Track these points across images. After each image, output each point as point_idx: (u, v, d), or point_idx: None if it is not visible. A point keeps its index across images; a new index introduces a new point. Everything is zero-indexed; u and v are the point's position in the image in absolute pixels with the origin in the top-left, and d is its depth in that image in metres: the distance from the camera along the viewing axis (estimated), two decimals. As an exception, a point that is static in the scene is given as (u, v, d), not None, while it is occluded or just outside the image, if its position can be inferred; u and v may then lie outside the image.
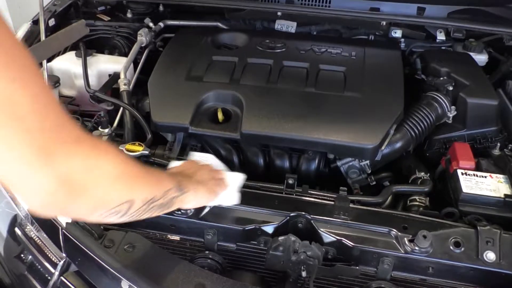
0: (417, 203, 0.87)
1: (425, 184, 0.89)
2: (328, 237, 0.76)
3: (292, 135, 0.87)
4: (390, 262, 0.73)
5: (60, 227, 0.77)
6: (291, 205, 0.79)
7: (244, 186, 0.83)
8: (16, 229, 0.91)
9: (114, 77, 1.08)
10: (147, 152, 0.87)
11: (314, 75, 1.00)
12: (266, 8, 1.19)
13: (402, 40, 1.23)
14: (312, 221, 0.77)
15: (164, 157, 0.91)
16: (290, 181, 0.84)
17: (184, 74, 1.01)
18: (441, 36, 1.22)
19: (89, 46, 1.16)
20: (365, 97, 0.94)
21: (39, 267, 0.85)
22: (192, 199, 0.68)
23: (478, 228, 0.74)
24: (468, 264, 0.72)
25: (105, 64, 1.12)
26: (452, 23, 1.15)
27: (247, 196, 0.81)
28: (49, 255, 0.84)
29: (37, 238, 0.87)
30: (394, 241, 0.74)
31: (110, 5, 1.31)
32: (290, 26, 1.25)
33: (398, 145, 0.92)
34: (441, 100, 0.98)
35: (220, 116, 0.94)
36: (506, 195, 0.80)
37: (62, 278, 0.80)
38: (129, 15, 1.27)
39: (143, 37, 1.15)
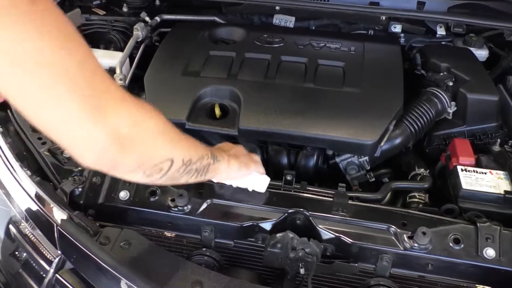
0: (416, 199, 0.86)
1: (424, 181, 0.88)
2: (326, 234, 0.75)
3: (290, 131, 0.86)
4: (389, 259, 0.72)
5: (55, 224, 0.76)
6: (289, 201, 0.78)
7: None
8: (11, 227, 0.90)
9: (110, 72, 1.06)
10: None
11: (312, 70, 0.99)
12: (264, 2, 1.18)
13: (402, 35, 1.22)
14: (310, 218, 0.76)
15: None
16: (288, 178, 0.83)
17: (181, 69, 0.99)
18: (441, 31, 1.21)
19: (84, 40, 1.14)
20: (364, 92, 0.93)
21: (34, 264, 0.84)
22: (224, 170, 0.71)
23: (478, 224, 0.74)
24: (467, 261, 0.71)
25: (101, 59, 1.08)
26: (452, 18, 1.13)
27: (245, 193, 0.80)
28: (44, 253, 0.83)
29: (31, 235, 0.86)
30: (393, 238, 0.74)
31: (106, -2, 1.29)
32: (288, 21, 1.24)
33: (398, 141, 0.91)
34: (441, 96, 0.97)
35: (217, 111, 0.93)
36: (506, 192, 0.80)
37: (57, 275, 0.79)
38: (125, 9, 1.26)
39: (139, 32, 1.13)
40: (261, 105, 0.90)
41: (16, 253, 0.89)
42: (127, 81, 1.04)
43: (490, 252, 0.71)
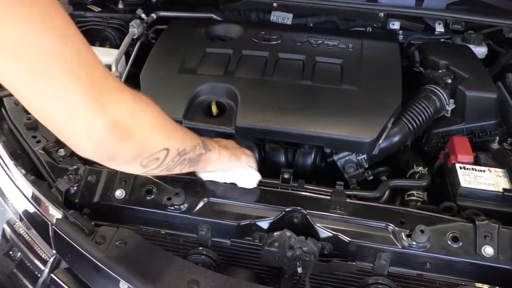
0: (415, 197, 0.86)
1: (423, 179, 0.88)
2: (324, 233, 0.75)
3: (287, 128, 0.86)
4: (387, 258, 0.72)
5: (50, 223, 0.75)
6: (286, 200, 0.78)
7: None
8: (5, 226, 0.89)
9: (106, 69, 1.06)
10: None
11: (310, 68, 0.98)
12: (262, -1, 1.17)
13: (400, 32, 1.21)
14: (308, 216, 0.76)
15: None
16: (286, 176, 0.82)
17: (177, 66, 0.98)
18: (439, 28, 1.20)
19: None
20: (362, 90, 0.92)
21: (29, 264, 0.84)
22: (215, 160, 0.72)
23: (476, 222, 0.73)
24: (466, 259, 0.71)
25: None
26: (451, 15, 1.13)
27: (242, 191, 0.79)
28: (39, 252, 0.82)
29: (26, 235, 0.85)
30: (391, 236, 0.73)
31: (101, -5, 1.28)
32: (286, 18, 1.23)
33: (396, 139, 0.91)
34: (439, 93, 0.96)
35: (214, 109, 0.92)
36: (504, 189, 0.80)
37: (52, 275, 0.78)
38: (120, 6, 1.25)
39: (135, 29, 1.12)
40: (258, 103, 0.89)
41: (11, 253, 0.89)
42: (123, 79, 1.03)
43: (488, 250, 0.71)
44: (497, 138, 0.93)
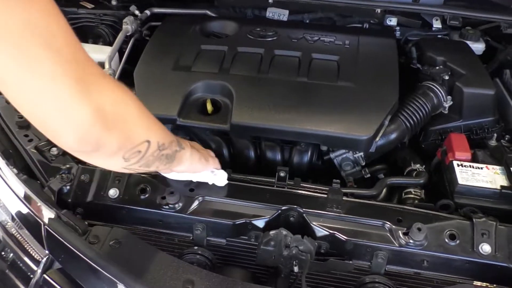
0: (412, 195, 0.85)
1: (420, 176, 0.87)
2: (320, 231, 0.74)
3: (283, 126, 0.85)
4: (384, 256, 0.71)
5: (42, 223, 0.74)
6: (282, 198, 0.77)
7: (234, 179, 0.81)
8: (-3, 226, 0.88)
9: (99, 67, 1.04)
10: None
11: (306, 65, 0.97)
12: (257, -5, 1.16)
13: (397, 28, 1.21)
14: (304, 215, 0.75)
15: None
16: (282, 174, 0.81)
17: (172, 63, 0.97)
18: (437, 24, 1.20)
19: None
20: (359, 87, 0.92)
21: (21, 265, 0.83)
22: (188, 158, 0.71)
23: (474, 220, 0.73)
24: (463, 257, 0.71)
25: (89, 54, 1.08)
26: (448, 11, 1.12)
27: (237, 190, 0.78)
28: (31, 253, 0.81)
29: (18, 235, 0.84)
30: (388, 234, 0.73)
31: (94, -9, 1.26)
32: (281, 14, 1.22)
33: (393, 136, 0.90)
34: (437, 90, 0.96)
35: (209, 107, 0.91)
36: (502, 187, 0.79)
37: (45, 276, 0.77)
38: (113, 2, 1.23)
39: (128, 26, 1.11)
40: (254, 100, 0.88)
41: (3, 253, 0.87)
42: (116, 76, 1.01)
43: (486, 248, 0.70)
44: (495, 135, 0.93)
